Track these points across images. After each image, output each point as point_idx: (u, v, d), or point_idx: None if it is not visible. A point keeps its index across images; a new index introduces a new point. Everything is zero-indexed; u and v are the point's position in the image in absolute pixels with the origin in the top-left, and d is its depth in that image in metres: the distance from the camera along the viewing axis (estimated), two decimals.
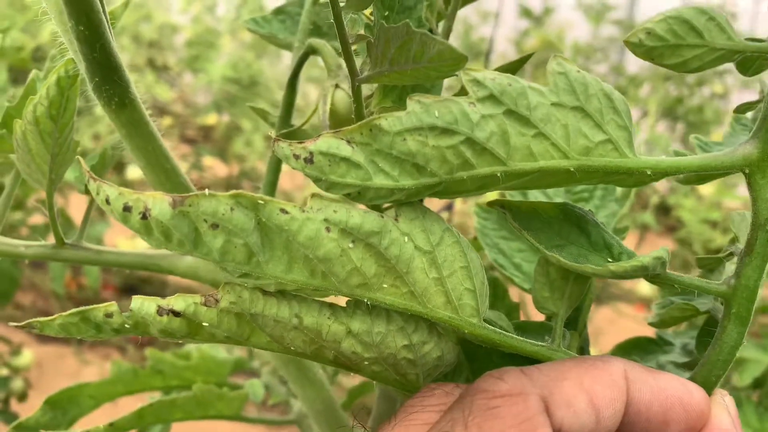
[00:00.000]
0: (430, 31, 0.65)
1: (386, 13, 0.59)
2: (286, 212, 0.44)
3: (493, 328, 0.51)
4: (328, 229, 0.45)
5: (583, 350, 0.62)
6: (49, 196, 0.73)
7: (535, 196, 0.72)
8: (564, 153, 0.46)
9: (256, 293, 0.47)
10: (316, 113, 0.67)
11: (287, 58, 0.86)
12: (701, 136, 0.62)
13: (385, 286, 0.48)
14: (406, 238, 0.47)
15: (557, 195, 0.73)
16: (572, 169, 0.46)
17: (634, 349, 0.76)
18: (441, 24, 0.67)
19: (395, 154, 0.44)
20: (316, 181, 0.45)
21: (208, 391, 0.99)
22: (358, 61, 0.55)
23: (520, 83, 0.45)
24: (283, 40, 0.86)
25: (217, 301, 0.46)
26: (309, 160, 0.44)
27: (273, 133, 0.44)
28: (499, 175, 0.45)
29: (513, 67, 0.67)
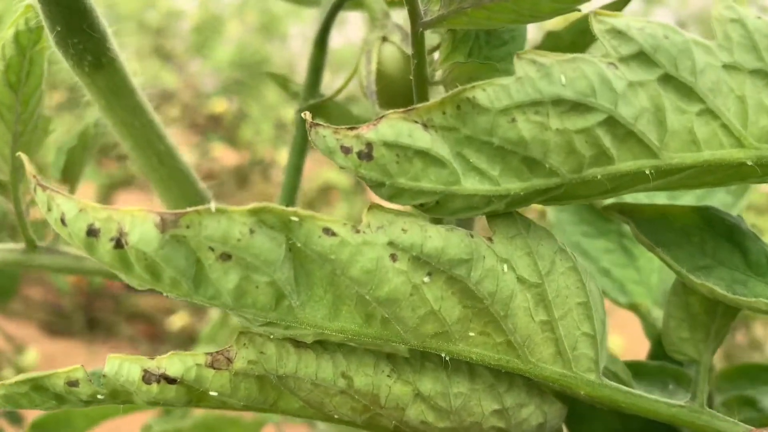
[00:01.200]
0: None
1: None
2: (333, 233, 0.29)
3: (616, 385, 0.36)
4: (393, 257, 0.30)
5: (711, 394, 0.47)
6: (14, 187, 0.58)
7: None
8: (738, 138, 0.31)
9: (286, 347, 0.32)
10: (356, 76, 0.51)
11: (296, 41, 0.69)
12: None
13: (471, 334, 0.33)
14: (505, 267, 0.32)
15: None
16: (750, 163, 0.31)
17: (743, 378, 0.61)
18: None
19: (497, 143, 0.29)
20: (376, 186, 0.29)
21: (220, 416, 0.85)
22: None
23: (681, 35, 0.30)
24: None
25: (229, 360, 0.31)
26: (366, 155, 0.28)
27: (306, 115, 0.28)
28: (647, 172, 0.30)
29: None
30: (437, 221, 0.33)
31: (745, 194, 0.57)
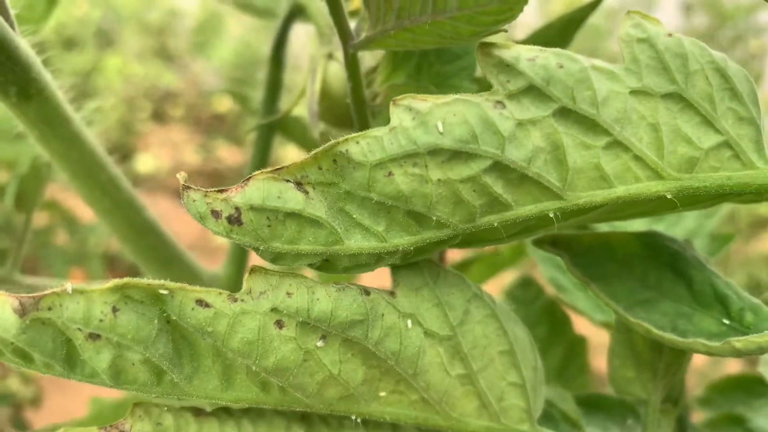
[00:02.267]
0: None
1: None
2: (207, 305, 0.27)
3: None
4: (279, 324, 0.28)
5: (682, 426, 0.44)
6: None
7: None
8: (655, 170, 0.28)
9: (185, 417, 0.30)
10: (304, 95, 0.49)
11: (299, 39, 0.67)
12: None
13: (382, 394, 0.31)
14: (408, 322, 0.30)
15: None
16: (669, 195, 0.28)
17: (736, 391, 0.58)
18: None
19: (376, 198, 0.27)
20: (253, 249, 0.27)
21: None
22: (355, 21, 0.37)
23: (578, 62, 0.27)
24: (261, 5, 0.68)
25: None
26: (236, 220, 0.26)
27: (180, 176, 0.26)
28: (552, 215, 0.28)
29: (560, 31, 0.48)
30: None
31: (719, 211, 0.53)
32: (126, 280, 0.26)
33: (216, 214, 0.27)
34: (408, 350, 0.30)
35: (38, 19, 0.58)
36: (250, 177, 0.26)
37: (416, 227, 0.27)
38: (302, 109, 0.59)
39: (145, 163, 3.32)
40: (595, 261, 0.36)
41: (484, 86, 0.29)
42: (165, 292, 0.27)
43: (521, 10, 0.26)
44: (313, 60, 0.49)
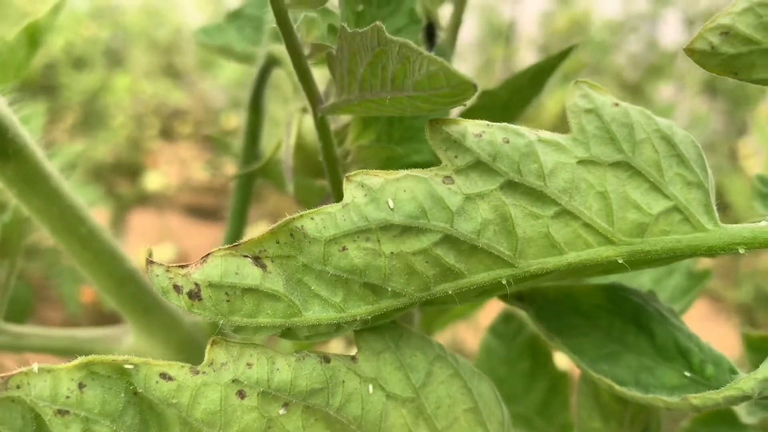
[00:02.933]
0: (429, 27, 0.47)
1: (360, 8, 0.39)
2: (170, 378, 0.28)
3: None
4: (241, 395, 0.29)
5: None
6: None
7: None
8: (606, 236, 0.29)
9: None
10: (281, 147, 0.50)
11: None
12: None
13: None
14: (370, 387, 0.30)
15: None
16: (620, 260, 0.29)
17: (721, 424, 0.58)
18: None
19: (332, 272, 0.28)
20: (214, 323, 0.28)
21: None
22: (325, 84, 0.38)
23: (524, 136, 0.28)
24: (241, 51, 0.69)
25: None
26: (196, 295, 0.27)
27: (146, 252, 0.28)
28: (504, 281, 0.28)
29: (531, 79, 0.49)
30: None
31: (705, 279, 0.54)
32: (91, 357, 0.28)
33: (177, 288, 0.28)
34: (370, 414, 0.31)
35: (18, 66, 0.58)
36: (209, 254, 0.28)
37: (373, 297, 0.28)
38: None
39: (154, 180, 3.34)
40: (560, 314, 0.37)
41: None
42: (130, 366, 0.28)
43: (472, 95, 0.27)
44: (288, 114, 0.50)
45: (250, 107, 0.59)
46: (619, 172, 0.29)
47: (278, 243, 0.28)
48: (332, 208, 0.27)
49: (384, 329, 0.32)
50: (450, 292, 0.29)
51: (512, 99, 0.49)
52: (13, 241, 0.59)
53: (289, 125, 0.49)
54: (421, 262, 0.28)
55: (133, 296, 0.52)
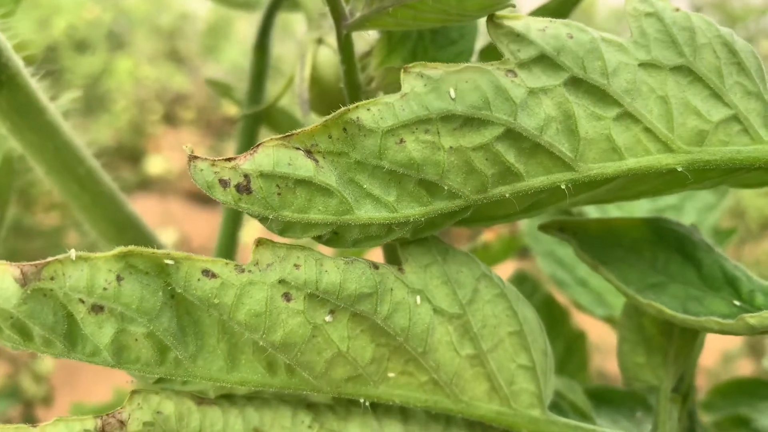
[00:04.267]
0: None
1: None
2: (213, 275, 0.27)
3: (565, 421, 0.33)
4: (287, 297, 0.27)
5: (692, 420, 0.43)
6: None
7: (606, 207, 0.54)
8: (665, 143, 0.29)
9: (186, 405, 0.30)
10: (293, 83, 0.49)
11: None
12: None
13: (391, 375, 0.30)
14: (417, 298, 0.29)
15: None
16: (680, 168, 0.29)
17: (740, 394, 0.58)
18: None
19: (388, 166, 0.27)
20: (261, 220, 0.27)
21: None
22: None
23: (587, 33, 0.28)
24: None
25: (122, 423, 0.29)
26: (245, 188, 0.26)
27: (186, 148, 0.26)
28: (564, 186, 0.28)
29: (553, 12, 0.48)
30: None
31: (727, 194, 0.54)
32: (130, 248, 0.26)
33: (224, 182, 0.27)
34: (417, 327, 0.30)
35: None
36: (258, 144, 0.27)
37: (427, 197, 0.28)
38: (287, 99, 0.59)
39: (156, 165, 3.31)
40: (602, 247, 0.36)
41: None
42: (170, 261, 0.27)
43: None
44: (301, 46, 0.49)
45: (256, 47, 0.57)
46: (680, 77, 0.29)
47: (330, 138, 0.27)
48: (390, 98, 0.26)
49: (430, 242, 0.31)
50: (507, 196, 0.28)
51: (560, 8, 0.47)
52: (2, 189, 0.56)
53: (302, 58, 0.48)
54: (480, 158, 0.27)
55: (131, 243, 0.50)
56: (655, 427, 0.35)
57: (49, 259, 0.26)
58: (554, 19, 0.28)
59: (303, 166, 0.26)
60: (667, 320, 0.35)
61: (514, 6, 0.30)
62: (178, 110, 4.05)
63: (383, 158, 0.27)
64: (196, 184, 0.27)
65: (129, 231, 0.50)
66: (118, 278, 0.26)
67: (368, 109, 0.26)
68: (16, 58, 0.43)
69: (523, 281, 0.58)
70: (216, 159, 0.27)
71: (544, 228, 0.36)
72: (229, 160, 0.27)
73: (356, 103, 0.27)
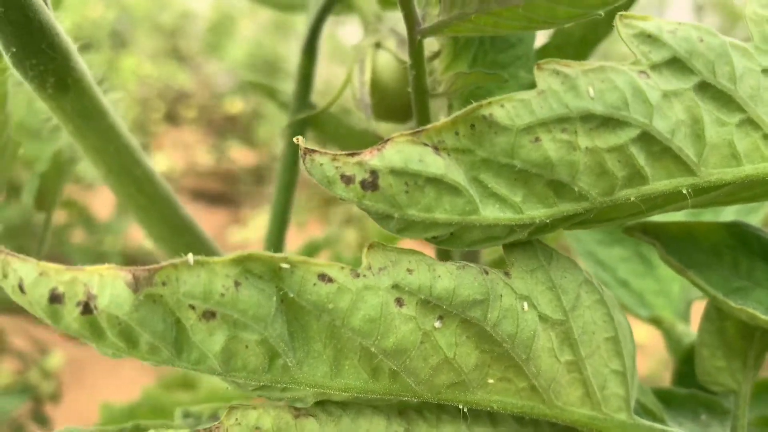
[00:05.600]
0: None
1: None
2: (330, 280, 0.25)
3: (650, 425, 0.33)
4: (399, 302, 0.26)
5: None
6: None
7: None
8: None
9: (284, 419, 0.28)
10: (349, 86, 0.47)
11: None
12: None
13: (490, 381, 0.30)
14: (525, 304, 0.29)
15: None
16: None
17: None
18: None
19: (519, 165, 0.26)
20: (383, 218, 0.26)
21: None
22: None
23: (717, 36, 0.27)
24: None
25: None
26: (371, 185, 0.25)
27: (299, 141, 0.25)
28: (685, 191, 0.27)
29: (609, 12, 0.48)
30: (445, 256, 0.30)
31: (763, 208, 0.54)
32: (248, 252, 0.25)
33: (347, 179, 0.25)
34: (524, 333, 0.29)
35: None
36: (386, 140, 0.25)
37: (554, 198, 0.27)
38: (318, 99, 0.57)
39: (159, 163, 3.25)
40: (683, 249, 0.36)
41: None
42: (286, 266, 0.25)
43: None
44: (358, 51, 0.48)
45: (305, 50, 0.56)
46: None
47: (457, 134, 0.26)
48: (525, 95, 0.25)
49: (535, 246, 0.30)
50: (632, 199, 0.27)
51: (587, 36, 0.48)
52: (50, 192, 0.55)
53: (360, 62, 0.47)
54: (613, 160, 0.26)
55: (188, 247, 0.49)
56: (734, 430, 0.35)
57: (162, 263, 0.24)
58: (683, 22, 0.27)
59: (433, 163, 0.25)
60: (749, 325, 0.35)
61: (600, 16, 0.29)
62: (180, 109, 3.99)
63: (515, 157, 0.26)
64: (313, 178, 0.26)
65: (184, 233, 0.49)
66: (236, 284, 0.24)
67: (502, 106, 0.25)
68: (81, 60, 0.42)
69: None
70: (336, 153, 0.26)
71: (628, 230, 0.36)
72: (351, 155, 0.25)
73: (488, 99, 0.26)
